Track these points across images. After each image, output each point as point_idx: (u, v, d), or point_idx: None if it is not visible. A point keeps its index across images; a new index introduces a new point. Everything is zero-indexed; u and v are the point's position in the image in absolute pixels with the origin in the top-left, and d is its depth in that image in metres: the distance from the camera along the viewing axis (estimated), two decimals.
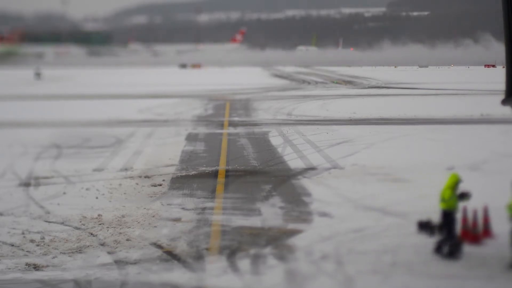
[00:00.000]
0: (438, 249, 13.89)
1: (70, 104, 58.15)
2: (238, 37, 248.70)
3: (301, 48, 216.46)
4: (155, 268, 13.76)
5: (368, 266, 13.40)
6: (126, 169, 25.57)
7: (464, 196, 13.99)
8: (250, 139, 33.85)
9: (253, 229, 16.46)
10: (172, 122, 42.95)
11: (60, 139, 34.77)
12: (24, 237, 16.14)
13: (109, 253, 14.82)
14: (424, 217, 15.99)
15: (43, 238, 15.95)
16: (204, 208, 18.78)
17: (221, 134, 36.57)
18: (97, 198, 20.52)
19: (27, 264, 14.14)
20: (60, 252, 14.92)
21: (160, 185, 22.41)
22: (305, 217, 17.54)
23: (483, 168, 23.89)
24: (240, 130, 37.99)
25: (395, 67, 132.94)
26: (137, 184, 22.61)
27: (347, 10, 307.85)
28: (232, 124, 41.22)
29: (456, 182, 13.86)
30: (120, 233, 16.30)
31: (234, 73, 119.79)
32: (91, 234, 16.32)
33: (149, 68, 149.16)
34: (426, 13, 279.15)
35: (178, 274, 13.34)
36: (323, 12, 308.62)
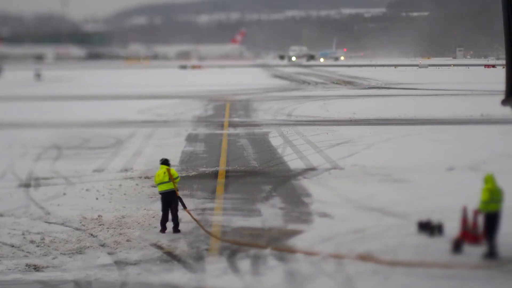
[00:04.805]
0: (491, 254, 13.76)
1: (70, 105, 58.14)
2: (238, 37, 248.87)
3: (294, 48, 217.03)
4: (155, 269, 13.76)
5: (368, 266, 13.40)
6: (126, 170, 25.56)
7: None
8: (250, 140, 33.83)
9: (253, 230, 16.46)
10: (172, 122, 42.94)
11: (60, 140, 34.76)
12: (24, 238, 16.14)
13: (109, 253, 14.82)
14: (424, 218, 16.04)
15: (43, 239, 15.95)
16: (204, 209, 18.78)
17: (221, 134, 36.55)
18: (97, 199, 20.52)
19: (27, 265, 14.14)
20: (60, 253, 14.92)
21: None
22: (305, 217, 17.54)
23: (483, 168, 23.85)
24: (240, 130, 37.98)
25: (395, 67, 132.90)
26: (137, 184, 22.61)
27: (347, 11, 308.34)
28: (232, 124, 41.20)
29: (490, 181, 13.77)
30: (120, 234, 16.31)
31: (234, 74, 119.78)
32: (91, 235, 16.32)
33: (149, 68, 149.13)
34: (426, 13, 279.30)
35: (178, 274, 13.34)
36: (323, 13, 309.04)
